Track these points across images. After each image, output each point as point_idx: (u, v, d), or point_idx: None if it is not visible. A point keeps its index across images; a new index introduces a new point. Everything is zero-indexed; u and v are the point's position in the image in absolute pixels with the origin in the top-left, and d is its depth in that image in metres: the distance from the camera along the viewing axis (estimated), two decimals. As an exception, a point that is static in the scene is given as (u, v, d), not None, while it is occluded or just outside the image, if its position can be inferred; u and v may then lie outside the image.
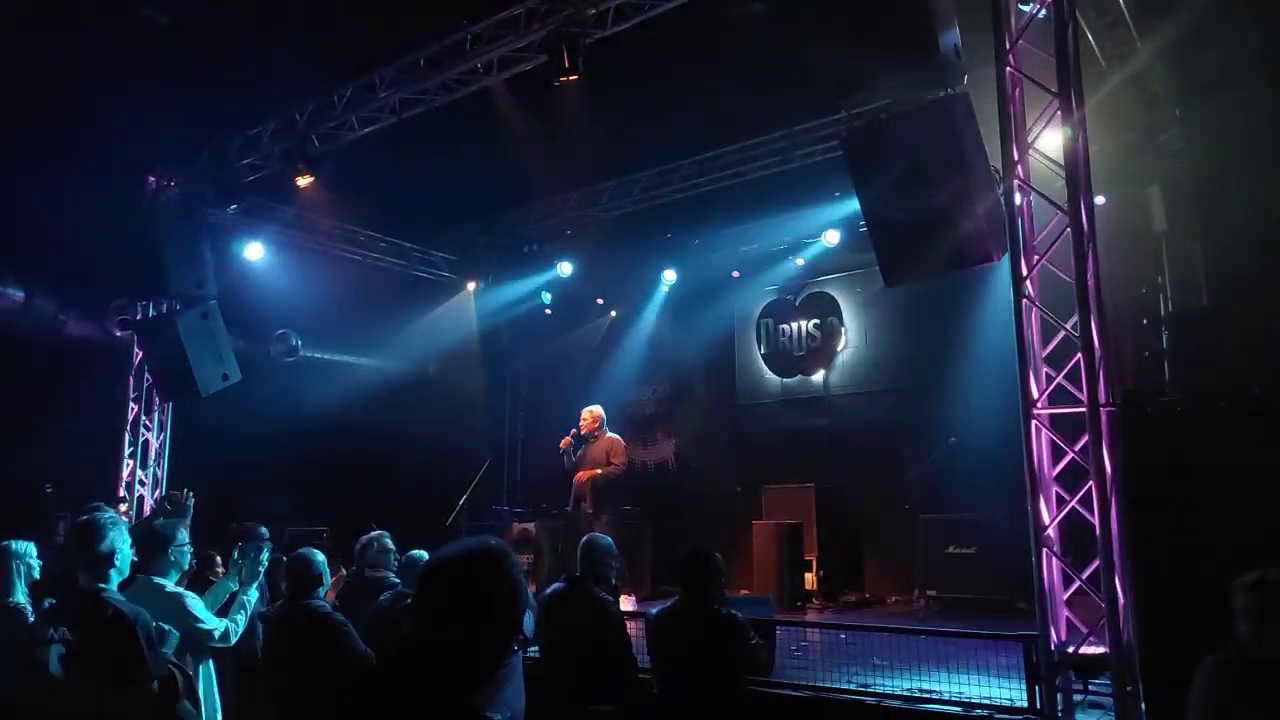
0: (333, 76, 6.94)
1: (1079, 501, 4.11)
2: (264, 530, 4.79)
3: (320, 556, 4.11)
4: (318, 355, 10.01)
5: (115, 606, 2.93)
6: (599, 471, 7.65)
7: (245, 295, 8.52)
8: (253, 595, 3.98)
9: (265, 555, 4.14)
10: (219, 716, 3.76)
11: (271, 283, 8.85)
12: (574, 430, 7.96)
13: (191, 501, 5.25)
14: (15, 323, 8.01)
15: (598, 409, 8.07)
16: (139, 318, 8.25)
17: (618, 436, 7.96)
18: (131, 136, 7.21)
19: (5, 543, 3.66)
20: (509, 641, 1.71)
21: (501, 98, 6.91)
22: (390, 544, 4.99)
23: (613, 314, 10.85)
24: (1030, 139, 4.47)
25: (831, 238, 8.74)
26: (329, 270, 9.40)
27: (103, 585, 2.96)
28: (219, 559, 4.79)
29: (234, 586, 4.02)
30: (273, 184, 7.87)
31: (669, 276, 10.01)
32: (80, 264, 8.04)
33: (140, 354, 8.21)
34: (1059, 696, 3.95)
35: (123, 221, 7.69)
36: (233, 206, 8.04)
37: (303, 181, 7.19)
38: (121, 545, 3.05)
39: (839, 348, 9.30)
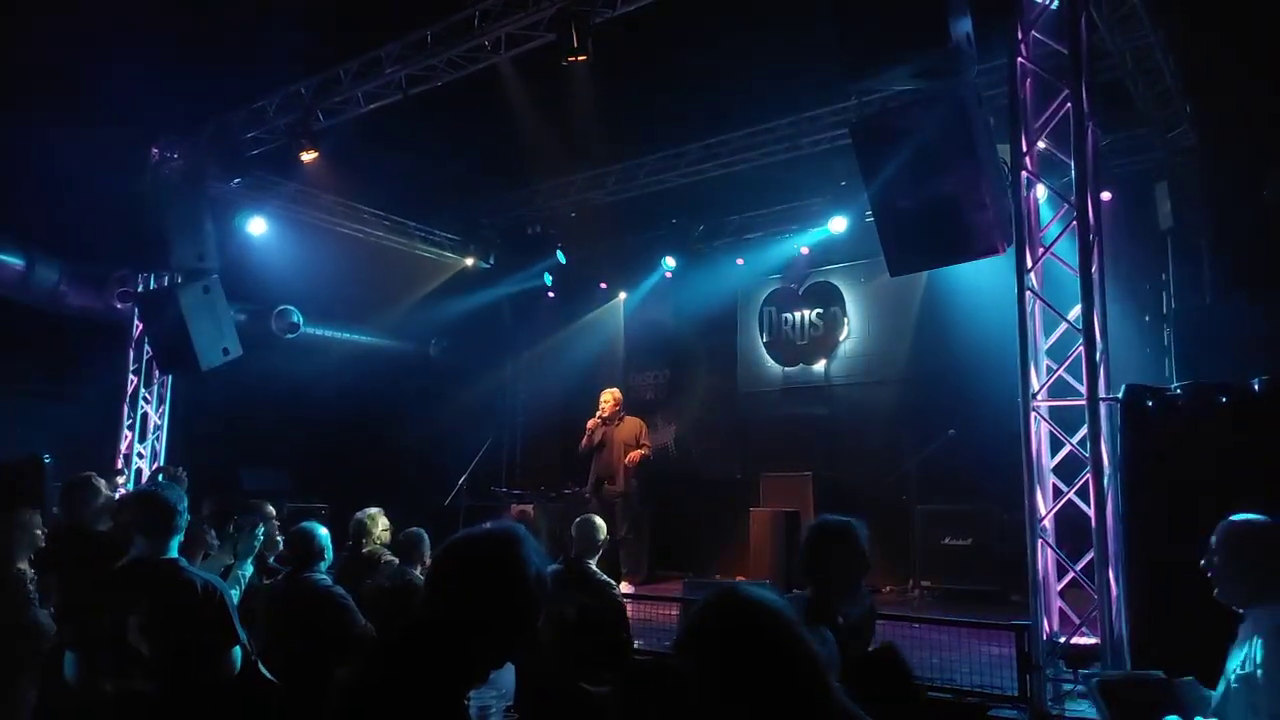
0: (339, 51, 6.90)
1: (1075, 493, 4.13)
2: (271, 508, 4.81)
3: (323, 530, 4.13)
4: (319, 332, 10.00)
5: (199, 576, 2.95)
6: (643, 453, 7.82)
7: (247, 270, 8.49)
8: (247, 570, 4.01)
9: (260, 530, 4.16)
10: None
11: (274, 258, 8.81)
12: (599, 413, 8.01)
13: (184, 476, 5.26)
14: (16, 293, 7.99)
15: (618, 391, 8.15)
16: (140, 290, 8.24)
17: (638, 418, 8.08)
18: (135, 108, 7.16)
19: (13, 511, 3.68)
20: (514, 634, 1.68)
21: (508, 77, 6.87)
22: (386, 521, 5.01)
23: (622, 295, 10.81)
24: (1039, 130, 4.45)
25: (837, 226, 8.70)
26: (332, 246, 9.37)
27: (174, 556, 2.96)
28: (213, 532, 4.80)
29: (229, 560, 4.04)
30: (276, 158, 7.83)
31: (669, 264, 9.94)
32: (82, 235, 8.01)
33: (140, 326, 8.19)
34: (1049, 686, 3.98)
35: (125, 193, 7.66)
36: (236, 180, 8.01)
37: (307, 157, 7.16)
38: (183, 516, 3.05)
39: (841, 338, 9.29)
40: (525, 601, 1.67)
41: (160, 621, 2.76)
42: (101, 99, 6.88)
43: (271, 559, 4.71)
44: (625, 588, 7.07)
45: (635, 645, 4.57)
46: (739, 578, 7.69)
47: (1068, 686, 4.03)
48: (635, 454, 7.82)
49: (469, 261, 10.60)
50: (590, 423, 8.02)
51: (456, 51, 6.35)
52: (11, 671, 3.38)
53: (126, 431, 8.16)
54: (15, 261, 7.91)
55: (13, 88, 6.78)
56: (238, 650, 2.92)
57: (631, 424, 8.00)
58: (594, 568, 4.28)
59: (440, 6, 6.26)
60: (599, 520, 4.47)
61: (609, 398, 8.04)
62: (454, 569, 1.68)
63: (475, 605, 1.63)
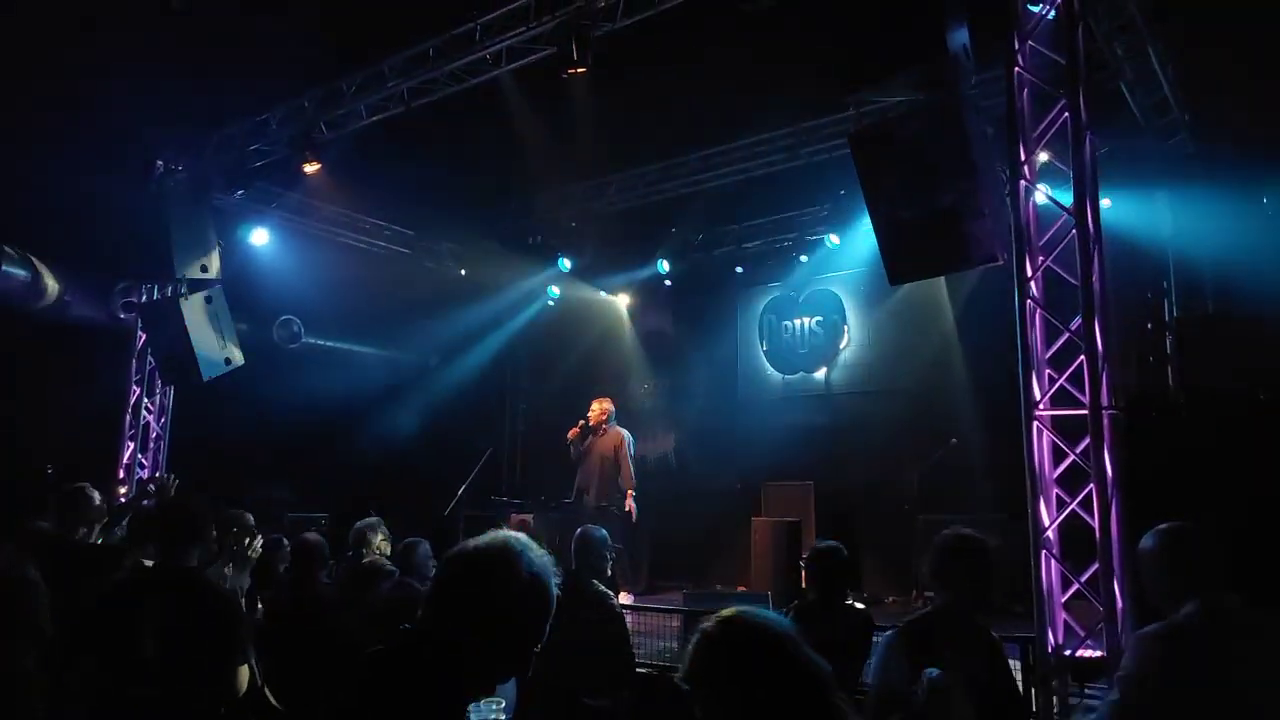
0: (342, 64, 6.94)
1: (1079, 504, 4.11)
2: (250, 517, 4.79)
3: (321, 541, 4.14)
4: (321, 342, 10.02)
5: (219, 587, 2.95)
6: (630, 503, 7.62)
7: (250, 280, 8.52)
8: (244, 581, 4.00)
9: (259, 541, 4.15)
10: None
11: (276, 268, 8.85)
12: (581, 421, 7.96)
13: (173, 486, 5.26)
14: (20, 302, 8.01)
15: (607, 402, 8.08)
16: (143, 300, 8.26)
17: (624, 431, 7.98)
18: (140, 121, 7.22)
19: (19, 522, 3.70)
20: (513, 647, 1.67)
21: (509, 89, 6.91)
22: (386, 531, 5.00)
23: (622, 304, 10.79)
24: (1038, 140, 4.46)
25: (836, 240, 8.72)
26: (334, 257, 9.41)
27: (195, 565, 2.97)
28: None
29: (226, 572, 4.04)
30: (279, 170, 7.87)
31: (663, 267, 9.83)
32: (86, 246, 8.04)
33: (143, 337, 8.22)
34: (1055, 699, 3.95)
35: (129, 204, 7.70)
36: (239, 192, 8.04)
37: (309, 168, 7.19)
38: (209, 526, 3.08)
39: (842, 346, 9.29)
40: (523, 615, 1.66)
41: (185, 629, 2.75)
42: (106, 111, 6.91)
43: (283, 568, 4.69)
44: (624, 598, 7.04)
45: (636, 657, 4.54)
46: (740, 588, 7.68)
47: (1074, 700, 4.01)
48: (631, 507, 7.65)
49: (468, 271, 10.61)
50: (570, 432, 7.96)
51: (458, 64, 6.39)
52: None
53: (128, 441, 8.17)
54: (19, 272, 7.93)
55: (17, 100, 6.82)
56: (245, 669, 2.90)
57: (611, 436, 7.85)
58: (593, 580, 4.25)
59: (442, 20, 6.30)
60: (601, 533, 4.39)
61: (596, 407, 7.99)
62: (450, 581, 1.68)
63: (470, 618, 1.62)
